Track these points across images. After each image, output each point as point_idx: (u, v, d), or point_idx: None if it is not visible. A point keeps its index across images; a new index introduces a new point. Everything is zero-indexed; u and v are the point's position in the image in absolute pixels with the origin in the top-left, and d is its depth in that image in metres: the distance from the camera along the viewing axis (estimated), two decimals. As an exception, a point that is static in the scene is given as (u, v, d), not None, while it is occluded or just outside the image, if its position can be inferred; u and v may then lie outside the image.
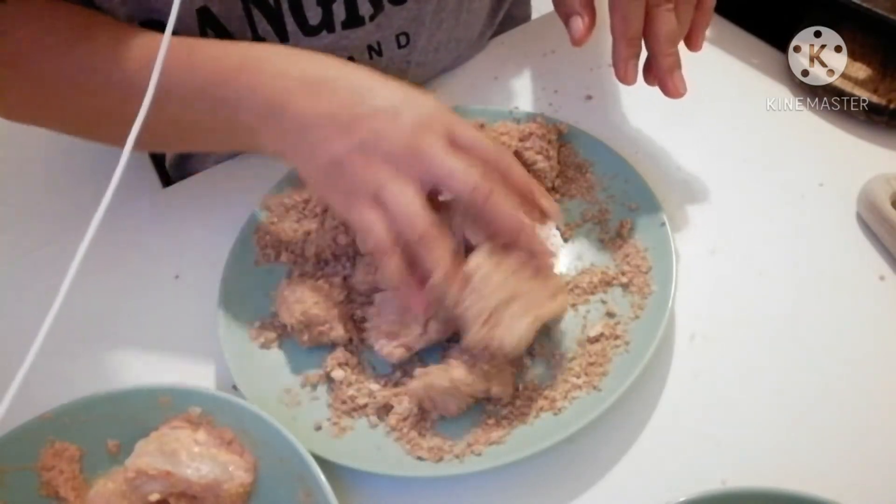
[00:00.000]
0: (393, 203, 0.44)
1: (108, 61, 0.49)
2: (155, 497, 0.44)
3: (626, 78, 0.51)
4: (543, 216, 0.48)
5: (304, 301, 0.50)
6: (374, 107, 0.45)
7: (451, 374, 0.45)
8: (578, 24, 0.52)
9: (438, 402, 0.46)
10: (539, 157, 0.56)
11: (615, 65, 0.51)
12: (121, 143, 0.41)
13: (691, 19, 0.52)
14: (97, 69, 0.50)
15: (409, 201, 0.44)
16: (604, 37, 0.54)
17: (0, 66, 0.51)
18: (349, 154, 0.44)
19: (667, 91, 0.51)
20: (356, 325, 0.52)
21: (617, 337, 0.49)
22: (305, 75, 0.46)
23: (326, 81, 0.46)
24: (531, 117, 0.58)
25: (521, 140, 0.56)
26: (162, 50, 0.42)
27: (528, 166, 0.56)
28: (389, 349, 0.49)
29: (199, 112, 0.49)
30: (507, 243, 0.46)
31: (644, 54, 0.52)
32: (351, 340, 0.51)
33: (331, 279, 0.52)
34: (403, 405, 0.47)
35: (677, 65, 0.51)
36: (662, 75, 0.51)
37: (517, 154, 0.56)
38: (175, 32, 0.53)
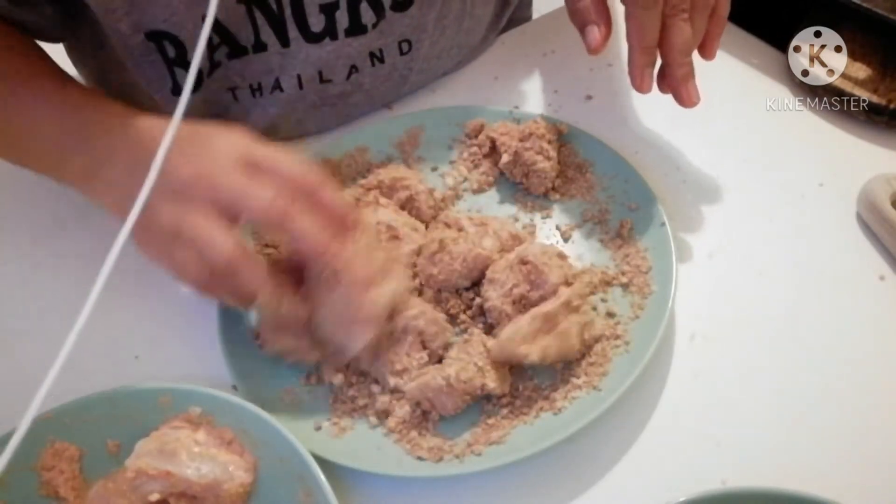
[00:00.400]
0: (192, 238, 0.43)
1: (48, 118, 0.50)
2: (155, 497, 0.44)
3: (643, 87, 0.51)
4: (354, 228, 0.47)
5: (277, 326, 0.49)
6: (165, 151, 0.43)
7: (445, 372, 0.45)
8: (595, 33, 0.52)
9: (436, 402, 0.46)
10: (539, 158, 0.56)
11: (631, 73, 0.52)
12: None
13: (705, 28, 0.52)
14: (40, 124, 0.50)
15: (207, 232, 0.43)
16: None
17: None
18: (154, 202, 0.42)
19: (680, 100, 0.52)
20: None
21: (617, 337, 0.49)
22: (129, 143, 0.47)
23: (114, 148, 0.47)
24: (531, 117, 0.58)
25: (521, 140, 0.56)
26: (169, 132, 0.42)
27: (527, 166, 0.56)
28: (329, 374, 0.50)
29: (50, 143, 0.50)
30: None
31: (658, 62, 0.52)
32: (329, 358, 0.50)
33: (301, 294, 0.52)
34: (404, 409, 0.47)
35: (691, 74, 0.52)
36: (677, 85, 0.52)
37: (517, 154, 0.56)
38: (183, 41, 0.54)
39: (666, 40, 0.50)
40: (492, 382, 0.46)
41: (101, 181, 0.48)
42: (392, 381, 0.48)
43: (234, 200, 0.43)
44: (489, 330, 0.50)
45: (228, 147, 0.45)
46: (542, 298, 0.48)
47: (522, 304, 0.49)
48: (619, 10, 0.52)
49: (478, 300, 0.51)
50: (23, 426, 0.35)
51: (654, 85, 0.52)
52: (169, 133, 0.41)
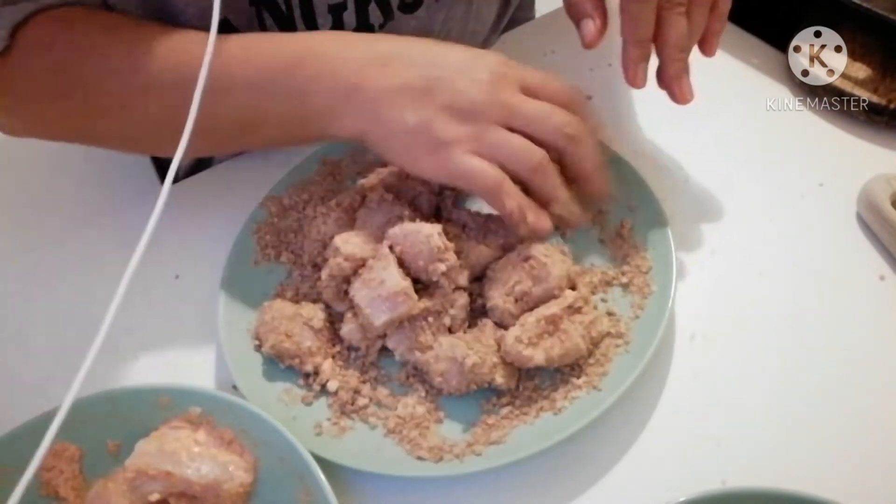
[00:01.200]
0: (498, 144, 0.46)
1: (159, 63, 0.49)
2: (155, 497, 0.44)
3: (635, 81, 0.51)
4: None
5: (277, 330, 0.49)
6: (447, 69, 0.46)
7: (466, 352, 0.46)
8: (590, 26, 0.51)
9: (446, 374, 0.46)
10: None
11: (624, 67, 0.51)
12: (170, 149, 0.41)
13: (705, 24, 0.51)
14: (148, 73, 0.49)
15: (513, 140, 0.46)
16: (605, 36, 0.54)
17: (36, 82, 0.50)
18: (435, 115, 0.46)
19: (673, 97, 0.51)
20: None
21: (619, 336, 0.49)
22: (371, 53, 0.47)
23: (394, 56, 0.47)
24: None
25: None
26: (210, 46, 0.43)
27: None
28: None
29: (264, 105, 0.48)
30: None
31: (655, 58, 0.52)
32: (337, 359, 0.50)
33: (314, 299, 0.52)
34: (408, 409, 0.47)
35: (685, 71, 0.51)
36: (669, 81, 0.51)
37: None
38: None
39: (660, 34, 0.50)
40: (500, 378, 0.46)
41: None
42: (410, 355, 0.48)
43: (525, 125, 0.46)
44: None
45: (509, 72, 0.47)
46: (546, 293, 0.48)
47: (525, 302, 0.49)
48: (614, 3, 0.51)
49: (479, 301, 0.51)
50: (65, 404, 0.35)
51: (653, 83, 0.52)
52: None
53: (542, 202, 0.48)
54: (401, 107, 0.46)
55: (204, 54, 0.44)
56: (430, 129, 0.45)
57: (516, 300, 0.49)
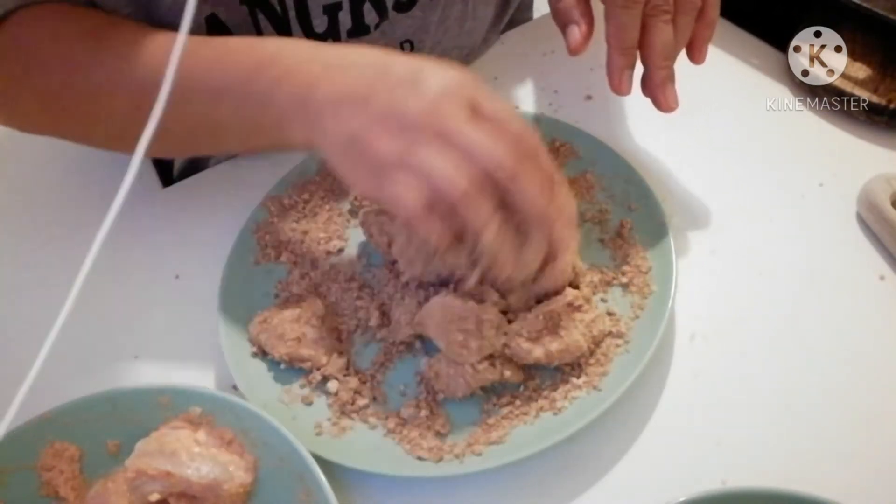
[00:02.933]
0: (423, 167, 0.41)
1: (125, 64, 0.48)
2: (155, 497, 0.44)
3: (621, 88, 0.50)
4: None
5: (286, 336, 0.49)
6: (393, 78, 0.43)
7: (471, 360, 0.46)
8: (576, 33, 0.51)
9: (450, 383, 0.47)
10: None
11: (609, 75, 0.50)
12: (133, 149, 0.40)
13: (693, 32, 0.51)
14: (115, 73, 0.49)
15: (440, 163, 0.41)
16: (603, 38, 0.54)
17: (11, 78, 0.51)
18: (368, 127, 0.42)
19: (658, 105, 0.51)
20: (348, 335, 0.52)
21: (620, 335, 0.49)
22: (330, 60, 0.45)
23: (352, 64, 0.45)
24: (532, 117, 0.58)
25: None
26: (176, 50, 0.41)
27: None
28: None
29: (225, 110, 0.47)
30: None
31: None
32: (343, 357, 0.50)
33: (312, 302, 0.52)
34: (408, 409, 0.48)
35: (671, 78, 0.50)
36: (654, 89, 0.50)
37: None
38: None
39: (645, 42, 0.49)
40: (508, 372, 0.47)
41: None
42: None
43: (465, 146, 0.41)
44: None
45: (459, 89, 0.43)
46: (551, 275, 0.47)
47: (531, 289, 0.48)
48: (601, 7, 0.51)
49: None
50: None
51: (639, 89, 0.51)
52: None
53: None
54: (340, 117, 0.43)
55: (170, 58, 0.42)
56: (362, 142, 0.43)
57: (521, 285, 0.49)
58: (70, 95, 0.50)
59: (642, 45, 0.49)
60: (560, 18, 0.53)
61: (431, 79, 0.43)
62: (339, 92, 0.43)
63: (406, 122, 0.42)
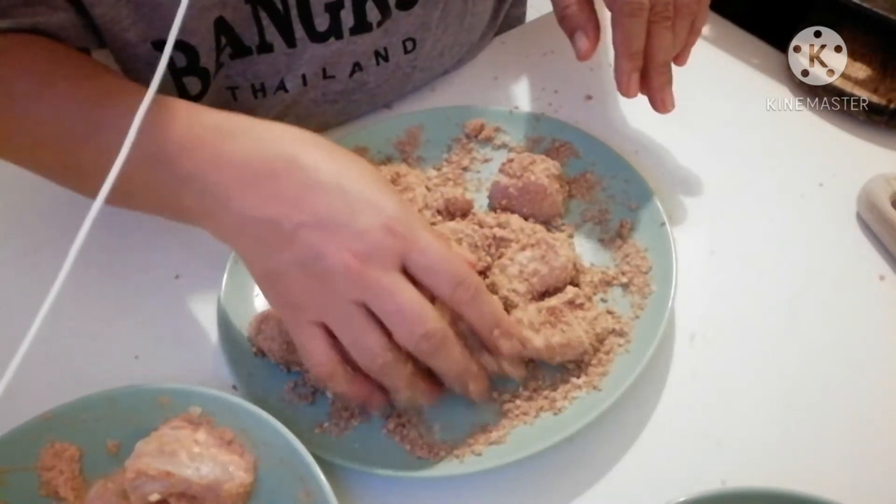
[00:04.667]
0: (343, 332, 0.41)
1: (69, 111, 0.47)
2: (155, 497, 0.44)
3: (629, 91, 0.52)
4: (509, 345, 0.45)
5: (285, 337, 0.48)
6: (319, 217, 0.40)
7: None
8: (583, 40, 0.53)
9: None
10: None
11: (618, 79, 0.52)
12: (88, 194, 0.38)
13: (685, 37, 0.52)
14: (59, 118, 0.47)
15: (358, 332, 0.41)
16: (603, 37, 0.54)
17: None
18: (289, 269, 0.41)
19: (655, 106, 0.53)
20: None
21: (622, 334, 0.49)
22: (250, 164, 0.42)
23: (272, 175, 0.42)
24: (531, 117, 0.58)
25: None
26: (141, 110, 0.39)
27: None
28: None
29: (144, 181, 0.45)
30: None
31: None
32: None
33: None
34: (408, 409, 0.47)
35: (669, 81, 0.53)
36: (654, 91, 0.53)
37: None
38: (190, 43, 0.53)
39: (648, 46, 0.51)
40: (507, 366, 0.46)
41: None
42: None
43: (385, 315, 0.40)
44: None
45: (392, 236, 0.41)
46: (552, 273, 0.49)
47: (531, 283, 0.49)
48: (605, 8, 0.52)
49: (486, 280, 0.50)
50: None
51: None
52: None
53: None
54: (258, 245, 0.42)
55: (118, 117, 0.40)
56: (282, 286, 0.42)
57: (525, 279, 0.49)
58: (28, 136, 0.49)
59: (646, 49, 0.51)
60: (567, 24, 0.54)
61: (361, 222, 0.40)
62: (256, 216, 0.41)
63: (329, 277, 0.40)
